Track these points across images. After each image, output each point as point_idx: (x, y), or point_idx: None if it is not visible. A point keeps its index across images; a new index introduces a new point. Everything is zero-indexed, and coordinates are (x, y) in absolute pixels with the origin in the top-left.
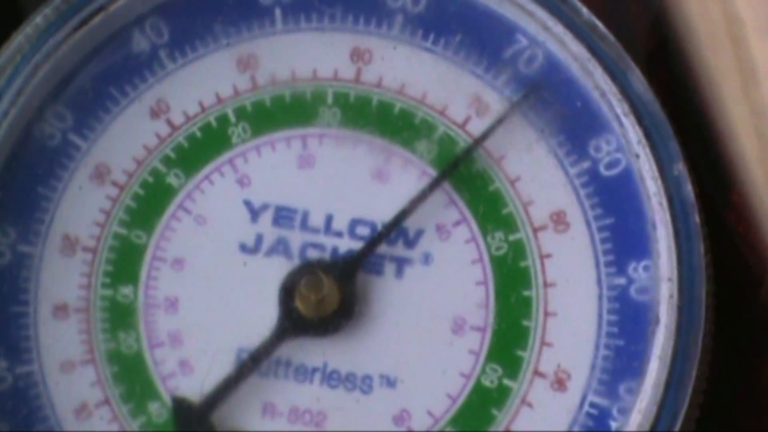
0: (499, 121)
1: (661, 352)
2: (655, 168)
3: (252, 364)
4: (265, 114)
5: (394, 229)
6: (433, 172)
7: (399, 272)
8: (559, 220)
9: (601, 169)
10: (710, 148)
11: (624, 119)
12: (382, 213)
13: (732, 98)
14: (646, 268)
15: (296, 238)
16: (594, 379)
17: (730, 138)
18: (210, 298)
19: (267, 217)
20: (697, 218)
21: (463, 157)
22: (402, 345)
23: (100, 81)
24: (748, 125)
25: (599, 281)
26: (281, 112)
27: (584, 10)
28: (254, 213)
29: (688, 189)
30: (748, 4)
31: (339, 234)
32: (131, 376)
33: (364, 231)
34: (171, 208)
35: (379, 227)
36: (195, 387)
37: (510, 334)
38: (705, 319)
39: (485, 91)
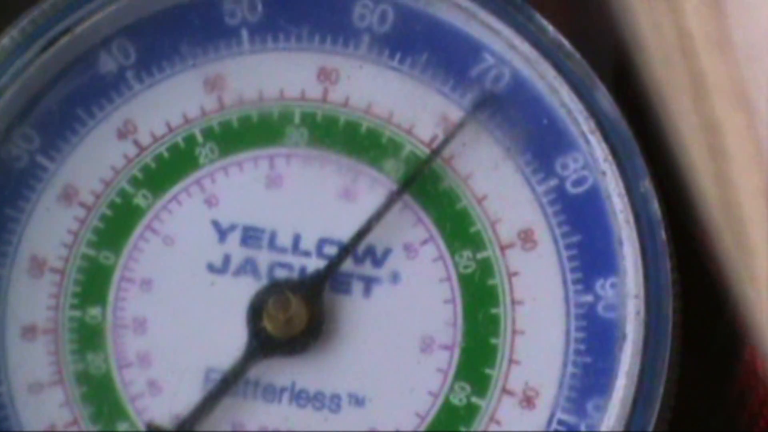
0: (455, 131)
1: (628, 368)
2: (621, 185)
3: (223, 386)
4: (232, 134)
5: (357, 246)
6: (403, 194)
7: (367, 291)
8: (526, 238)
9: (568, 187)
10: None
11: (590, 137)
12: (350, 232)
13: (683, 113)
14: (613, 285)
15: (264, 258)
16: (562, 396)
17: (682, 152)
18: (178, 319)
19: (235, 237)
20: (663, 235)
21: (420, 169)
22: (370, 364)
23: (67, 102)
24: (699, 139)
25: (567, 299)
26: (248, 132)
27: (550, 29)
28: (222, 233)
29: (655, 206)
30: (697, 17)
31: (307, 253)
32: (100, 397)
33: (331, 250)
34: (139, 229)
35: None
36: (163, 407)
37: (478, 352)
38: (672, 336)
39: (452, 110)
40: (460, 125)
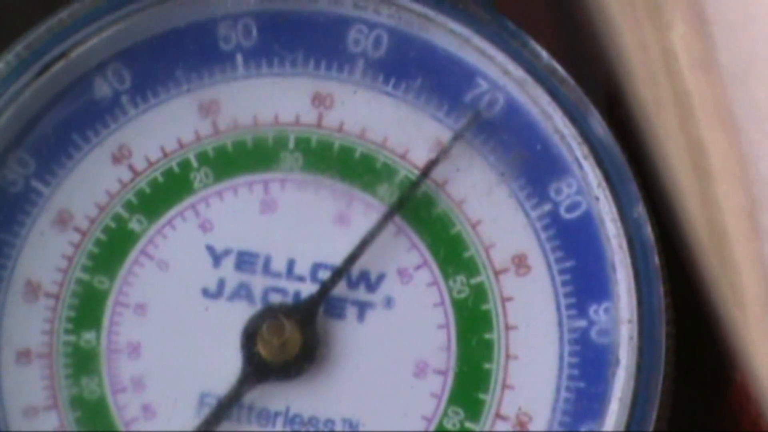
0: (445, 151)
1: (621, 394)
2: (615, 210)
3: (219, 411)
4: (227, 159)
5: (349, 269)
6: (394, 216)
7: (361, 316)
8: (520, 263)
9: (562, 212)
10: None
11: (584, 162)
12: (344, 257)
13: (669, 133)
14: (606, 311)
15: (258, 283)
16: (555, 421)
17: (668, 173)
18: (172, 343)
19: (229, 262)
20: (657, 260)
21: (412, 191)
22: (364, 388)
23: (63, 127)
24: (684, 159)
25: (560, 324)
26: (243, 157)
27: (544, 54)
28: (216, 258)
29: (648, 231)
30: (683, 37)
31: (301, 278)
32: (94, 422)
33: (326, 275)
34: (133, 254)
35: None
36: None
37: (472, 377)
38: (665, 361)
39: (446, 135)
40: (449, 146)
